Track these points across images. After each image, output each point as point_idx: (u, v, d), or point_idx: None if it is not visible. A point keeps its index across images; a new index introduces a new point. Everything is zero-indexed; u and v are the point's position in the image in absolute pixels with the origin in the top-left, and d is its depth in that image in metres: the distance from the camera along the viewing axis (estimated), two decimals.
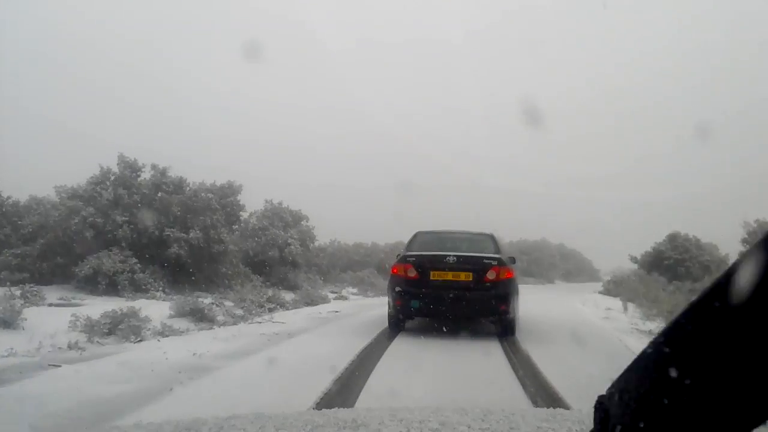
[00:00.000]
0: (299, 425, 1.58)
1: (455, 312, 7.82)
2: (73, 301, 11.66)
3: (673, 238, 26.80)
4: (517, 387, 4.97)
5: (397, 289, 7.92)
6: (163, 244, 14.01)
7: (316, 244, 28.48)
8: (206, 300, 12.31)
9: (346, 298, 17.81)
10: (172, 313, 10.28)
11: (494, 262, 7.89)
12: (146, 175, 15.00)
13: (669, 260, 26.03)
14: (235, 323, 9.09)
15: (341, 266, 29.49)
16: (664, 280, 24.21)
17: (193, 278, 14.69)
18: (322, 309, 11.79)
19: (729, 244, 26.13)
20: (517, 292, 8.25)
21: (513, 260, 9.22)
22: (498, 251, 8.46)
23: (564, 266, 55.42)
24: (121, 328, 7.88)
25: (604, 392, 0.62)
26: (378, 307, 12.77)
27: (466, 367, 5.89)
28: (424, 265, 7.86)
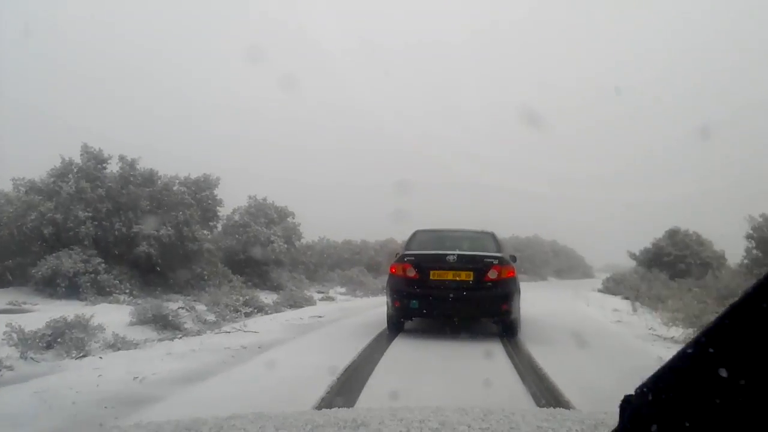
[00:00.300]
0: (299, 425, 1.57)
1: (456, 312, 7.64)
2: (24, 306, 10.43)
3: (673, 234, 25.88)
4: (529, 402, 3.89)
5: (396, 289, 7.72)
6: (132, 242, 12.79)
7: (303, 241, 27.35)
8: (176, 304, 11.17)
9: (333, 299, 16.67)
10: (132, 319, 9.10)
11: (495, 261, 7.67)
12: (114, 167, 13.76)
13: (669, 257, 25.11)
14: (200, 333, 7.91)
15: (330, 264, 28.32)
16: (664, 277, 23.31)
17: (165, 279, 13.50)
18: (304, 313, 10.65)
19: (723, 240, 25.32)
20: (519, 292, 7.98)
21: (514, 259, 8.85)
22: (499, 249, 8.26)
23: (557, 263, 54.67)
24: (62, 342, 6.70)
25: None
26: (367, 310, 11.65)
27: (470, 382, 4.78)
28: (424, 264, 7.65)
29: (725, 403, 0.49)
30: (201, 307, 11.10)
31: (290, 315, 10.34)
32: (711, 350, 0.51)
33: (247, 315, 10.84)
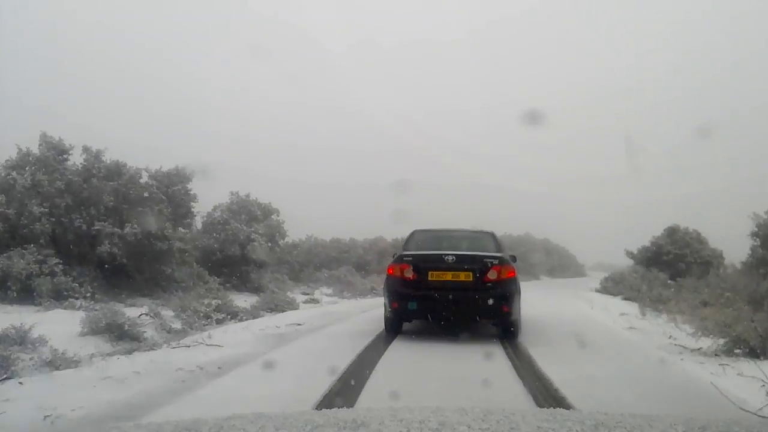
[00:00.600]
0: (299, 425, 1.56)
1: (455, 314, 7.47)
2: None
3: (672, 232, 25.01)
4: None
5: (394, 290, 7.58)
6: (94, 240, 11.61)
7: (288, 240, 26.19)
8: (141, 309, 10.03)
9: (318, 302, 15.57)
10: (82, 329, 7.96)
11: (495, 261, 7.49)
12: (77, 158, 12.57)
13: (668, 255, 24.24)
14: (155, 347, 6.78)
15: (317, 264, 27.19)
16: (664, 277, 22.43)
17: (132, 281, 12.34)
18: (283, 319, 9.54)
19: (721, 240, 24.49)
20: (519, 292, 7.77)
21: (514, 259, 8.61)
22: (499, 249, 8.09)
23: (549, 262, 53.97)
24: None
25: None
26: (353, 315, 10.56)
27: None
28: (422, 264, 7.49)
29: None
30: (168, 313, 9.97)
31: (266, 322, 9.23)
32: None
33: (219, 322, 9.73)
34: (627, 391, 4.74)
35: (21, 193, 11.30)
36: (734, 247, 24.93)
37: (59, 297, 10.75)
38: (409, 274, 7.49)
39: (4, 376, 5.42)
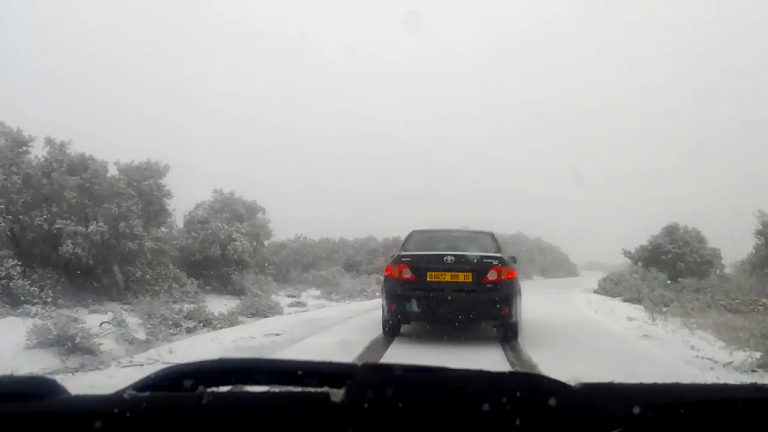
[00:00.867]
0: None
1: (454, 315, 7.32)
2: None
3: (671, 230, 24.26)
4: None
5: (392, 291, 7.47)
6: (56, 240, 10.60)
7: (274, 239, 25.21)
8: (105, 316, 9.05)
9: (304, 305, 14.62)
10: (30, 342, 6.97)
11: (495, 262, 7.40)
12: (40, 151, 11.53)
13: (668, 254, 23.47)
14: (102, 365, 5.81)
15: (305, 264, 26.22)
16: (664, 277, 21.67)
17: (100, 285, 11.33)
18: (261, 328, 8.60)
19: (718, 240, 23.77)
20: (519, 294, 7.72)
21: (514, 259, 8.53)
22: (499, 250, 7.98)
23: (541, 261, 53.33)
24: None
25: None
26: (340, 322, 9.62)
27: None
28: (421, 265, 7.41)
29: None
30: (134, 321, 9.00)
31: (241, 331, 8.28)
32: None
33: (190, 331, 8.76)
34: None
35: None
36: (729, 247, 24.36)
37: (16, 302, 9.74)
38: (408, 275, 7.38)
39: None
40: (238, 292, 14.54)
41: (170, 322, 8.69)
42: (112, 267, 11.22)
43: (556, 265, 56.31)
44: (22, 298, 9.81)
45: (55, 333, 6.98)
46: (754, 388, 0.67)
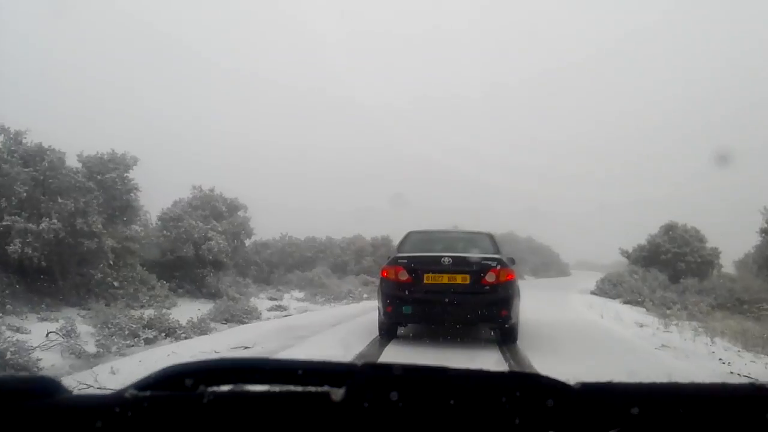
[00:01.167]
0: None
1: (451, 318, 7.23)
2: None
3: (669, 229, 23.46)
4: None
5: (388, 293, 7.34)
6: (3, 239, 9.49)
7: (258, 239, 24.14)
8: (55, 324, 7.98)
9: (285, 309, 13.56)
10: None
11: (494, 263, 7.25)
12: None
13: (667, 254, 22.67)
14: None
15: (290, 264, 25.13)
16: (663, 278, 20.86)
17: (56, 288, 10.23)
18: (228, 339, 7.57)
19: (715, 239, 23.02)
20: (518, 296, 7.52)
21: (513, 261, 8.25)
22: (497, 251, 7.82)
23: (533, 261, 52.58)
24: None
25: None
26: (323, 330, 8.60)
27: None
28: (417, 267, 7.29)
29: None
30: (88, 329, 7.94)
31: (206, 343, 7.23)
32: None
33: (149, 342, 7.70)
34: None
35: None
36: (723, 244, 23.62)
37: None
38: (404, 276, 7.23)
39: None
40: (214, 296, 13.47)
41: (127, 332, 7.62)
42: (69, 268, 10.13)
43: (547, 265, 55.64)
44: None
45: None
46: (753, 386, 0.64)
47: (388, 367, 0.67)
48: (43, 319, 8.74)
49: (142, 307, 11.18)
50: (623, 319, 10.76)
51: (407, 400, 0.61)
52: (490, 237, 8.35)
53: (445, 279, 7.14)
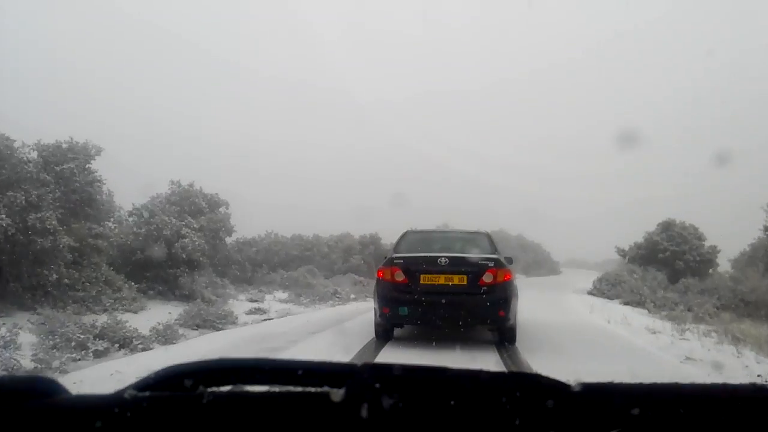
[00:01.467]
0: None
1: (448, 319, 7.16)
2: None
3: (667, 226, 22.74)
4: None
5: (384, 294, 7.32)
6: None
7: (238, 236, 23.10)
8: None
9: (265, 312, 12.57)
10: None
11: (491, 264, 7.24)
12: None
13: (665, 252, 21.94)
14: None
15: (276, 263, 24.11)
16: (662, 277, 20.11)
17: (5, 289, 9.19)
18: (189, 351, 6.60)
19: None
20: (516, 296, 7.52)
21: (510, 260, 7.99)
22: (495, 251, 7.78)
23: (524, 259, 51.93)
24: None
25: None
26: (301, 341, 7.64)
27: None
28: (414, 267, 7.26)
29: None
30: (30, 339, 6.93)
31: (161, 357, 6.25)
32: None
33: (99, 354, 6.68)
34: None
35: None
36: (719, 244, 22.95)
37: None
38: (400, 277, 7.21)
39: None
40: (189, 298, 12.47)
41: (74, 343, 6.62)
42: (22, 269, 9.09)
43: (538, 263, 55.02)
44: None
45: None
46: (754, 387, 0.64)
47: (388, 368, 0.67)
48: None
49: (105, 311, 10.18)
50: (631, 323, 9.90)
51: (407, 400, 0.61)
52: (488, 236, 8.26)
53: (441, 280, 7.08)
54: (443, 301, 6.99)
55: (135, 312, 10.71)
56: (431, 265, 7.14)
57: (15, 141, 9.19)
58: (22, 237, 8.85)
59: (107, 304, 10.30)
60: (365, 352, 6.79)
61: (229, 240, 19.55)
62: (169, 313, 10.66)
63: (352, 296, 17.22)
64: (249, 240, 25.86)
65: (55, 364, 6.10)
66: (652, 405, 0.61)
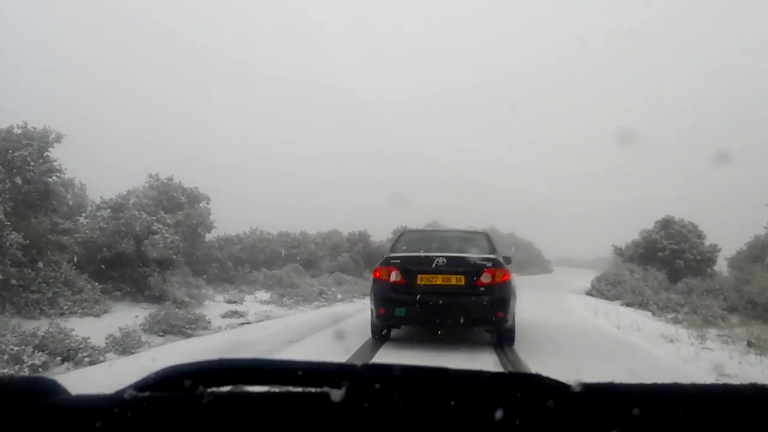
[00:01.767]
0: None
1: (446, 320, 7.00)
2: None
3: (666, 224, 21.98)
4: None
5: (380, 295, 7.20)
6: None
7: (224, 233, 22.12)
8: None
9: (242, 315, 11.58)
10: None
11: (489, 264, 7.09)
12: None
13: (664, 251, 21.18)
14: None
15: (261, 260, 23.11)
16: (662, 277, 19.35)
17: None
18: (145, 363, 5.61)
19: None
20: (514, 297, 7.39)
21: (509, 260, 7.95)
22: (493, 251, 7.64)
23: (516, 257, 51.16)
24: None
25: None
26: (277, 352, 6.71)
27: None
28: (411, 267, 7.13)
29: None
30: None
31: (106, 377, 5.28)
32: None
33: (36, 369, 5.70)
34: None
35: None
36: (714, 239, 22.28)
37: None
38: (397, 277, 7.16)
39: None
40: (159, 299, 11.46)
41: (6, 357, 5.63)
42: None
43: (530, 261, 54.37)
44: None
45: None
46: (754, 387, 0.64)
47: (388, 368, 0.67)
48: None
49: (62, 314, 9.18)
50: (642, 329, 9.04)
51: (408, 401, 0.60)
52: (486, 236, 8.17)
53: (439, 280, 7.01)
54: (440, 301, 6.89)
55: (97, 315, 9.71)
56: (428, 265, 7.04)
57: None
58: None
59: (65, 307, 9.30)
60: (357, 358, 6.34)
61: (209, 237, 18.55)
62: (136, 316, 9.69)
63: (339, 296, 16.27)
64: (232, 237, 24.86)
65: None
66: (652, 405, 0.60)
